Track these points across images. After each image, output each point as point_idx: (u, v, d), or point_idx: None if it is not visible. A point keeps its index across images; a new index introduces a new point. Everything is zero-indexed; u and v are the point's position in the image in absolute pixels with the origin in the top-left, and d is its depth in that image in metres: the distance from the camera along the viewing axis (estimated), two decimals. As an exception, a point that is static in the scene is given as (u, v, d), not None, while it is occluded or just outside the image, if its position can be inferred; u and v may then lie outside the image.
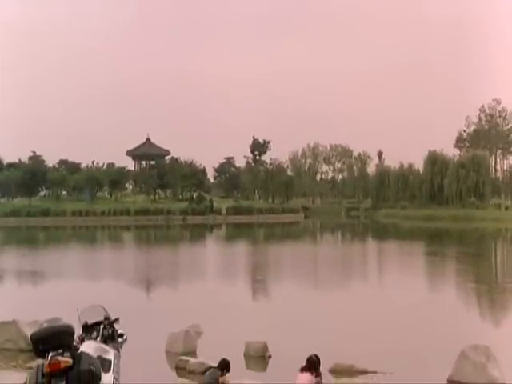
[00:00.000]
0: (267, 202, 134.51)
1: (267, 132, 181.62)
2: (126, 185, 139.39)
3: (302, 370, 9.17)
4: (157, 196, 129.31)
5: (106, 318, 7.08)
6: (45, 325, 5.96)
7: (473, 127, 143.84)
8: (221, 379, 10.41)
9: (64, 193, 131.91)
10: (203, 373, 11.86)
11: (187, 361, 13.35)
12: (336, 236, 75.59)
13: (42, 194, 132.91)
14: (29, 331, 13.61)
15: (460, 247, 50.86)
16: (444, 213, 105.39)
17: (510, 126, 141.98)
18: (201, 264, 39.03)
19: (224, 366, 10.64)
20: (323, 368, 10.41)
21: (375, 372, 12.89)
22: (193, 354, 14.42)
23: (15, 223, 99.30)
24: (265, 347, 14.40)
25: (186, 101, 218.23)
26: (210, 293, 25.68)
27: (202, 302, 22.59)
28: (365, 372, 12.94)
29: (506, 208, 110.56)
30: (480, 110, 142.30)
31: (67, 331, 5.97)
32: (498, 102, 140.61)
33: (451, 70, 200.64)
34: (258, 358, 14.31)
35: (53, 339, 5.82)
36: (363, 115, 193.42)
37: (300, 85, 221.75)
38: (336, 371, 12.85)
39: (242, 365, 13.62)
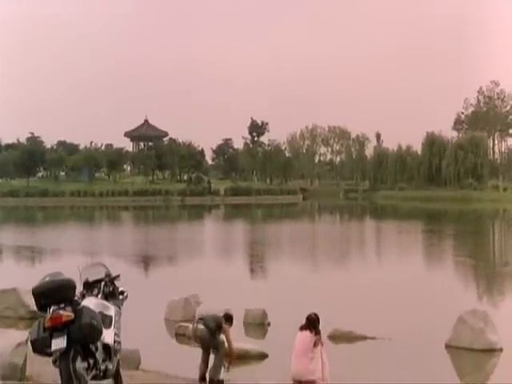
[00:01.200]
0: (265, 183, 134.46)
1: (265, 113, 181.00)
2: (124, 166, 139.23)
3: (302, 328, 9.23)
4: (155, 177, 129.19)
5: (107, 275, 7.06)
6: (47, 279, 5.94)
7: (471, 109, 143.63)
8: (224, 326, 10.20)
9: (62, 174, 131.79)
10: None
11: (187, 327, 13.40)
12: (334, 217, 75.64)
13: (40, 174, 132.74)
14: (29, 299, 13.76)
15: (458, 226, 51.00)
16: (442, 194, 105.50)
17: (508, 107, 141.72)
18: (200, 241, 39.09)
19: (227, 318, 10.46)
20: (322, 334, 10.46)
21: (374, 338, 12.97)
22: (192, 322, 14.45)
23: (14, 203, 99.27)
24: (264, 314, 14.46)
25: (184, 82, 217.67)
26: (208, 267, 25.77)
27: (201, 276, 22.64)
28: (363, 338, 13.01)
29: (504, 189, 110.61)
30: (478, 91, 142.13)
31: (68, 285, 5.95)
32: (497, 83, 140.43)
33: (449, 53, 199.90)
34: (257, 325, 14.37)
35: (54, 293, 5.81)
36: (361, 97, 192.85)
37: (299, 67, 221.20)
38: (335, 337, 12.91)
39: (242, 332, 13.67)
